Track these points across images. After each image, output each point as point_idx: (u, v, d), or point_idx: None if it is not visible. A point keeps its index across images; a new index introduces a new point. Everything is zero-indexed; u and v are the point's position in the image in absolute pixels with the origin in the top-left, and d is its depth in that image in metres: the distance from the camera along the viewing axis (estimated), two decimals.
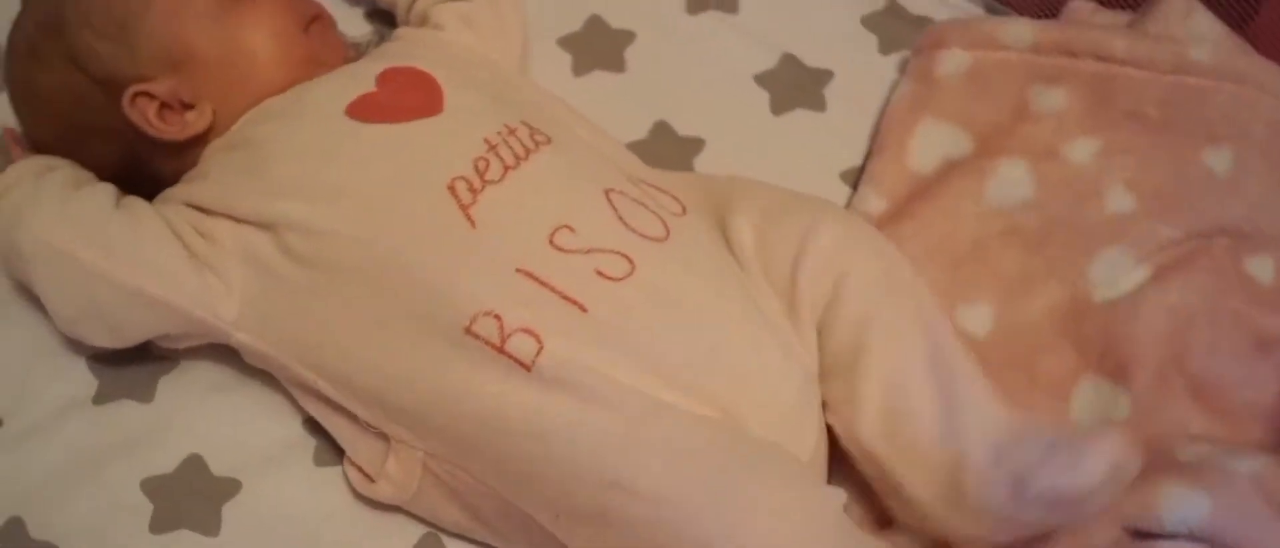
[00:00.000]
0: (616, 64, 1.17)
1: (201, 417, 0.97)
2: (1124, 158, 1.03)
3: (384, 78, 0.96)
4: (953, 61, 1.09)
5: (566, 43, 1.18)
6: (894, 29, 1.18)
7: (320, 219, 0.88)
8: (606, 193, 0.90)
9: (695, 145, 1.12)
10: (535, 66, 1.15)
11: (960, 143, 1.07)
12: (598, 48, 1.17)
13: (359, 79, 0.96)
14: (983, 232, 1.02)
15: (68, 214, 0.92)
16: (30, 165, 0.98)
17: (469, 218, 0.87)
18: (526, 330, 0.83)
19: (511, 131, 0.92)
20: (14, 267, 0.96)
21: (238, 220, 0.91)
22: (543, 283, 0.84)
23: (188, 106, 0.96)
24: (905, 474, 0.85)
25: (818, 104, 1.14)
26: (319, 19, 1.04)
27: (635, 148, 1.10)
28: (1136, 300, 0.97)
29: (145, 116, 0.95)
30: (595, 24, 1.19)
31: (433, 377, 0.85)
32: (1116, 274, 0.99)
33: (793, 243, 0.91)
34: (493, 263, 0.85)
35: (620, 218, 0.89)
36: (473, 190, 0.88)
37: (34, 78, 0.99)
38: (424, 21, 1.08)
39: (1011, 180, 1.04)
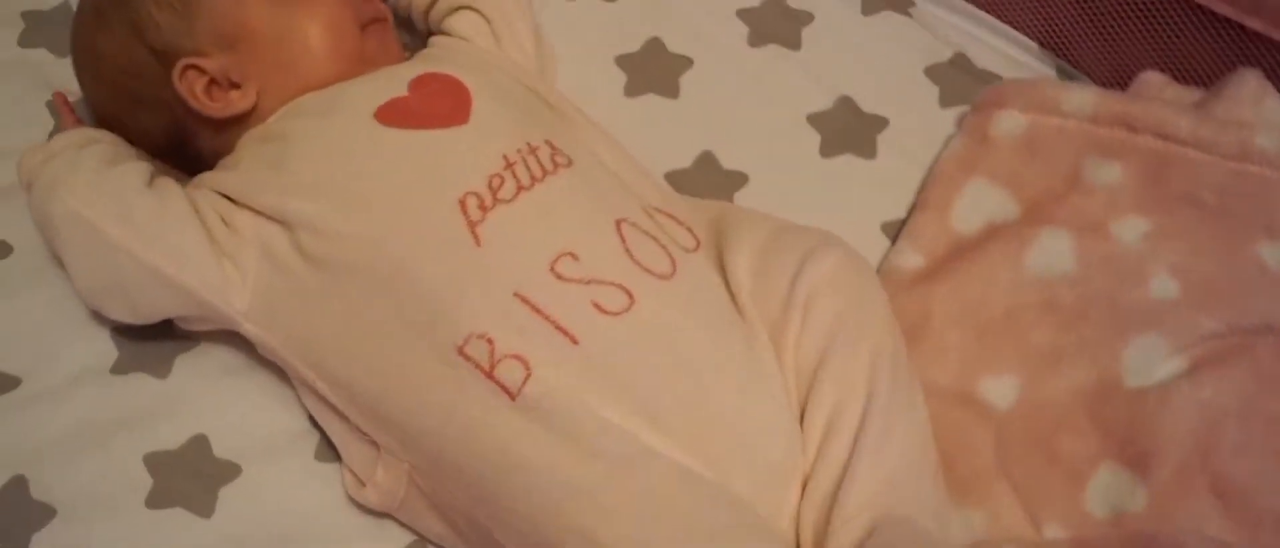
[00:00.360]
0: (670, 89, 1.15)
1: (212, 398, 0.98)
2: (1174, 242, 0.99)
3: (417, 83, 0.97)
4: (1009, 123, 1.07)
5: (623, 62, 1.17)
6: (957, 82, 1.15)
7: (332, 220, 0.89)
8: (618, 223, 0.89)
9: (738, 179, 1.10)
10: (588, 82, 1.15)
11: (1006, 207, 1.04)
12: (654, 71, 1.16)
13: (394, 82, 0.97)
14: (1018, 301, 0.99)
15: (100, 188, 0.94)
16: (73, 137, 1.00)
17: (475, 236, 0.86)
18: (517, 357, 0.82)
19: (533, 150, 0.92)
20: (46, 234, 0.98)
21: (259, 213, 0.92)
22: (538, 310, 0.84)
23: (234, 86, 0.98)
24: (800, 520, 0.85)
25: (868, 151, 1.12)
26: (379, 21, 1.04)
27: (677, 177, 1.09)
28: (1168, 392, 0.93)
29: (192, 90, 0.97)
30: (654, 47, 1.18)
31: (422, 392, 0.85)
32: (1151, 362, 0.95)
33: (785, 282, 0.89)
34: (492, 284, 0.85)
35: (627, 250, 0.88)
36: (483, 208, 0.87)
37: (95, 42, 1.02)
38: (442, 32, 1.08)
39: (1053, 252, 1.01)
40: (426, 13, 1.11)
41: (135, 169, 0.97)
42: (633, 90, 1.15)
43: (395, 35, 1.08)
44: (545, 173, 0.91)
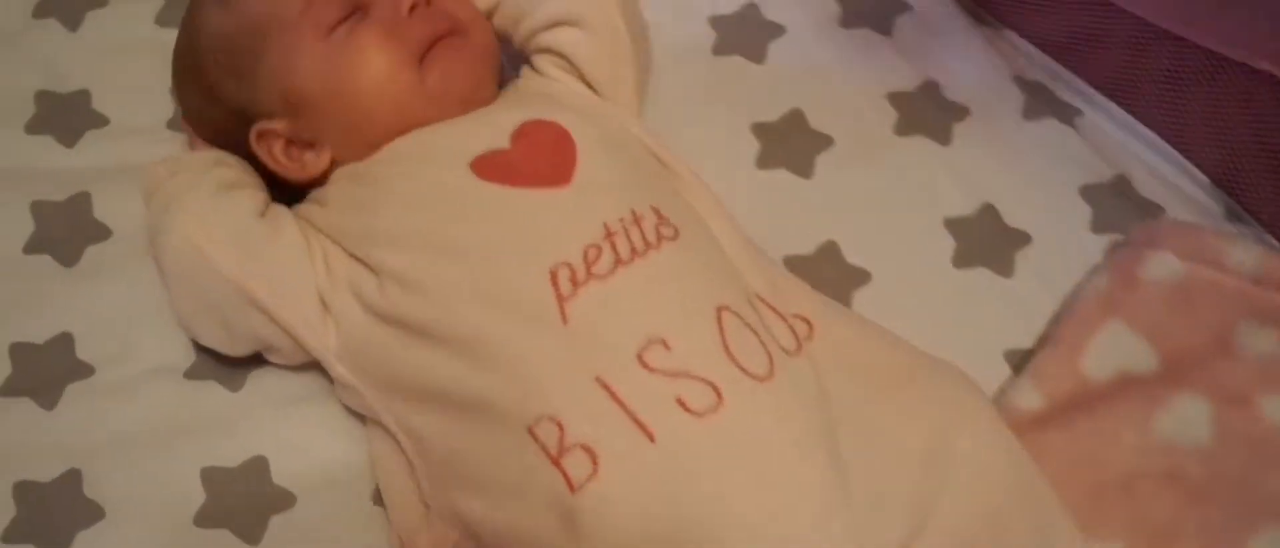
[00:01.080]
0: (804, 168, 1.09)
1: (279, 420, 0.95)
2: None
3: (520, 133, 0.91)
4: (1162, 267, 0.98)
5: (760, 131, 1.10)
6: (1114, 207, 1.06)
7: (418, 274, 0.85)
8: (719, 310, 0.83)
9: (859, 277, 1.03)
10: (719, 145, 1.09)
11: (1144, 359, 0.96)
12: (790, 145, 1.09)
13: (495, 130, 0.92)
14: (1139, 466, 0.91)
15: (213, 213, 0.92)
16: (199, 158, 0.98)
17: (562, 312, 0.81)
18: (587, 448, 0.77)
19: (637, 220, 0.86)
20: (155, 250, 0.96)
21: (350, 255, 0.89)
22: (617, 399, 0.78)
23: (309, 146, 0.96)
24: None
25: (1005, 268, 1.04)
26: (441, 43, 0.96)
27: (794, 264, 1.03)
28: None
29: (271, 153, 0.96)
30: (795, 120, 1.11)
31: (486, 464, 0.81)
32: None
33: (917, 446, 0.82)
34: (573, 367, 0.80)
35: (724, 343, 0.81)
36: (574, 282, 0.82)
37: (184, 94, 1.02)
38: (535, 68, 1.02)
39: (1189, 419, 0.92)
40: (516, 34, 1.03)
41: (250, 196, 0.94)
42: (765, 162, 1.09)
43: (471, 47, 0.98)
44: (647, 247, 0.85)
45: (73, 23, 1.15)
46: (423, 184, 0.90)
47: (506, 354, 0.81)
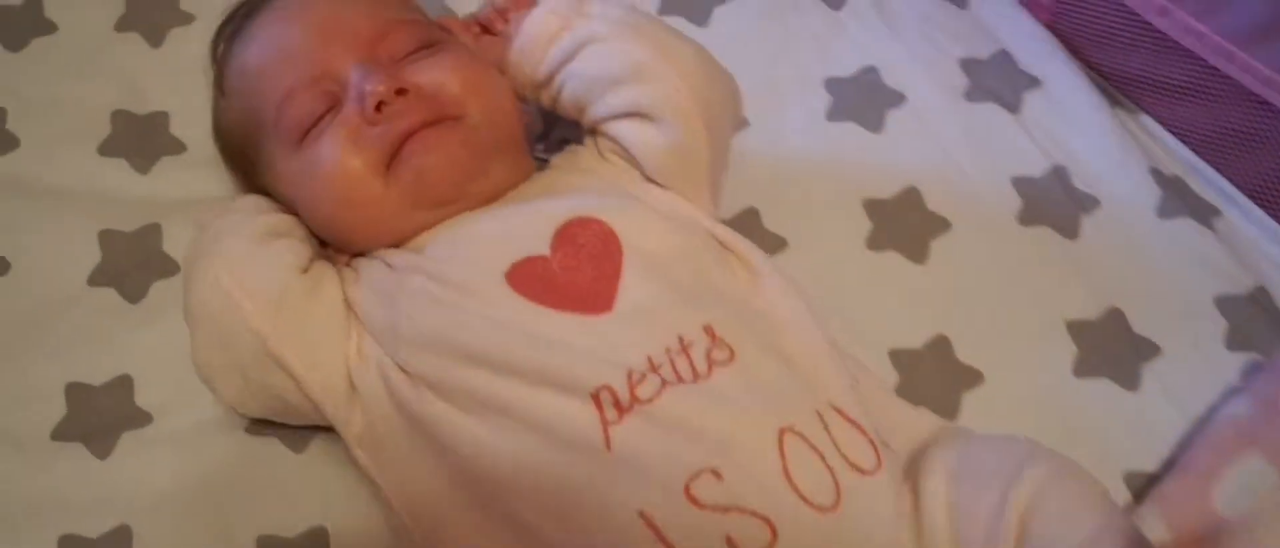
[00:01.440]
0: (918, 253, 1.01)
1: (342, 488, 0.90)
2: None
3: (562, 236, 0.82)
4: None
5: (872, 208, 1.03)
6: (1252, 323, 0.98)
7: (450, 382, 0.78)
8: (781, 433, 0.75)
9: (971, 377, 0.95)
10: (828, 221, 1.02)
11: None
12: (905, 226, 1.02)
13: (536, 228, 0.83)
14: None
15: (252, 259, 0.84)
16: (256, 200, 0.92)
17: (607, 437, 0.74)
18: None
19: (685, 348, 0.77)
20: (183, 289, 0.87)
21: (378, 342, 0.83)
22: (661, 537, 0.72)
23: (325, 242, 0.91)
24: None
25: (1130, 380, 0.96)
26: (416, 137, 0.84)
27: (902, 358, 0.96)
28: None
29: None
30: (911, 198, 1.04)
31: None
32: None
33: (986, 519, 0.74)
34: (615, 500, 0.73)
35: (785, 471, 0.74)
36: (618, 408, 0.74)
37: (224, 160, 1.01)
38: (596, 146, 0.92)
39: None
40: (582, 120, 0.92)
41: (293, 250, 0.86)
42: (877, 243, 1.02)
43: (459, 133, 0.86)
44: (696, 377, 0.76)
45: (156, 39, 1.10)
46: (452, 289, 0.81)
47: (545, 480, 0.74)
